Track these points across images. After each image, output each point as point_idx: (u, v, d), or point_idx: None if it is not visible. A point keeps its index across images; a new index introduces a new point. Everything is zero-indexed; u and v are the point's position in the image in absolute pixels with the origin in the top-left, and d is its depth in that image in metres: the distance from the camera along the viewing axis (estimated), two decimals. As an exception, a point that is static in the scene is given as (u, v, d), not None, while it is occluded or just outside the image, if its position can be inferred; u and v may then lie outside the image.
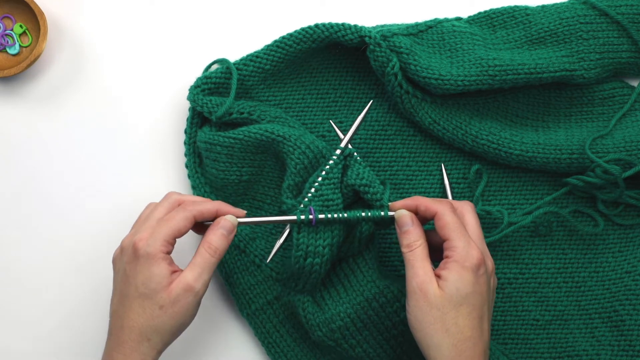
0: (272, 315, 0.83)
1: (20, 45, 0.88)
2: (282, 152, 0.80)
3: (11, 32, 0.88)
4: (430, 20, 0.84)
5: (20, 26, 0.88)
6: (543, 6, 0.85)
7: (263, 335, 0.83)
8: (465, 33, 0.83)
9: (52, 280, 0.87)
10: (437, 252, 0.73)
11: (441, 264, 0.70)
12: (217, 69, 0.84)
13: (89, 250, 0.86)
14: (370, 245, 0.79)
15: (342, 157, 0.78)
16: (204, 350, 0.85)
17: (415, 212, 0.73)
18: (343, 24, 0.81)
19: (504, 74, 0.80)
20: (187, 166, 0.85)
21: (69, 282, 0.86)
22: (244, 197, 0.85)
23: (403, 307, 0.77)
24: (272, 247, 0.83)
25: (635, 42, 0.83)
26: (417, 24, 0.84)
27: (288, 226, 0.78)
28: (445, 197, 0.84)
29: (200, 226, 0.76)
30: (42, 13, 0.86)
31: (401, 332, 0.77)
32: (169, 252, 0.72)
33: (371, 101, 0.82)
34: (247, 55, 0.85)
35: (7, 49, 0.88)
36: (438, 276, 0.69)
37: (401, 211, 0.73)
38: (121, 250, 0.74)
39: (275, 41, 0.84)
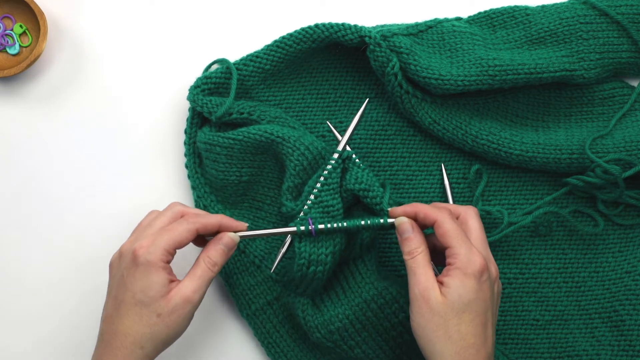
0: (272, 315, 0.83)
1: (20, 45, 0.88)
2: (281, 154, 0.80)
3: (11, 32, 0.88)
4: (430, 20, 0.84)
5: (20, 26, 0.88)
6: (543, 6, 0.85)
7: (263, 336, 0.83)
8: (465, 33, 0.83)
9: (52, 280, 0.87)
10: (440, 256, 0.72)
11: (444, 271, 0.70)
12: (217, 69, 0.84)
13: (89, 250, 0.86)
14: (370, 248, 0.79)
15: (340, 161, 0.78)
16: (204, 350, 0.85)
17: (415, 219, 0.73)
18: (343, 24, 0.81)
19: (504, 74, 0.80)
20: (187, 166, 0.85)
21: (68, 282, 0.86)
22: (244, 197, 0.85)
23: (402, 309, 0.77)
24: (272, 247, 0.83)
25: (635, 42, 0.83)
26: (417, 24, 0.84)
27: (290, 235, 0.78)
28: (446, 197, 0.84)
29: (201, 239, 0.77)
30: (42, 13, 0.86)
31: (400, 334, 0.77)
32: (168, 262, 0.72)
33: (367, 100, 0.81)
34: (247, 55, 0.85)
35: (7, 49, 0.88)
36: (441, 283, 0.69)
37: (401, 218, 0.73)
38: (120, 255, 0.74)
39: (275, 41, 0.84)
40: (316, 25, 0.82)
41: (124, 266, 0.72)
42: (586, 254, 0.84)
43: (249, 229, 0.76)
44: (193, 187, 0.85)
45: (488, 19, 0.85)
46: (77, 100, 0.88)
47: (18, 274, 0.87)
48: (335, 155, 0.78)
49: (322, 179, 0.77)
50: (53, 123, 0.88)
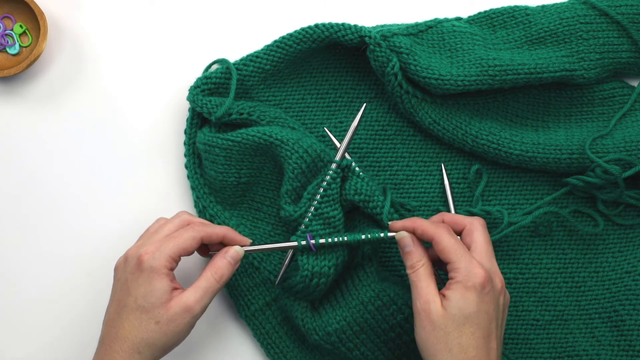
0: (271, 316, 0.83)
1: (20, 45, 0.88)
2: (280, 156, 0.80)
3: (11, 32, 0.88)
4: (430, 20, 0.84)
5: (20, 26, 0.88)
6: (543, 6, 0.85)
7: (262, 337, 0.83)
8: (465, 33, 0.83)
9: (52, 280, 0.87)
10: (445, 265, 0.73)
11: (446, 285, 0.70)
12: (217, 69, 0.84)
13: (89, 250, 0.86)
14: (371, 257, 0.79)
15: (339, 171, 0.78)
16: (203, 351, 0.85)
17: (414, 234, 0.73)
18: (343, 24, 0.81)
19: (504, 74, 0.80)
20: (186, 166, 0.85)
21: (68, 282, 0.86)
22: (243, 198, 0.85)
23: (400, 310, 0.77)
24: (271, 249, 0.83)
25: (635, 42, 0.83)
26: (417, 24, 0.84)
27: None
28: (445, 197, 0.84)
29: (205, 249, 0.77)
30: (42, 13, 0.86)
31: (398, 335, 0.77)
32: (172, 269, 0.72)
33: (364, 105, 0.81)
34: (247, 55, 0.85)
35: (7, 49, 0.88)
36: (443, 295, 0.69)
37: (402, 233, 0.74)
38: (125, 259, 0.74)
39: (275, 41, 0.84)
40: (316, 25, 0.82)
41: (129, 271, 0.72)
42: (586, 254, 0.84)
43: (252, 241, 0.77)
44: (192, 188, 0.85)
45: (488, 19, 0.85)
46: (77, 100, 0.88)
47: (17, 274, 0.87)
48: (334, 166, 0.78)
49: (321, 190, 0.77)
50: (53, 123, 0.88)
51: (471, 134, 0.82)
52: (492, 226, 0.83)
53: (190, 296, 0.71)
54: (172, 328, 0.71)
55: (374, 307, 0.77)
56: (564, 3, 0.85)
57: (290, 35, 0.83)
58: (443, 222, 0.75)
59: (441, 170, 0.85)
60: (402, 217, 0.78)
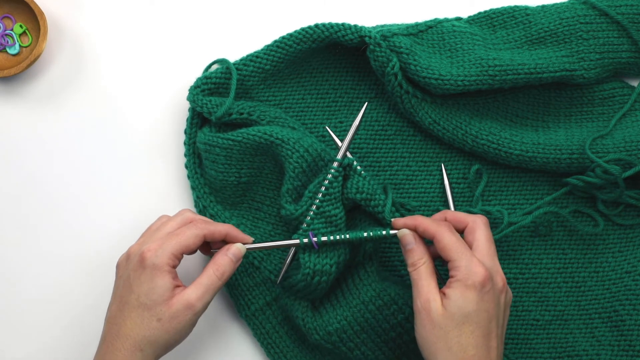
0: (271, 316, 0.83)
1: (20, 45, 0.88)
2: (281, 156, 0.80)
3: (11, 32, 0.88)
4: (430, 20, 0.84)
5: (20, 26, 0.88)
6: (543, 6, 0.85)
7: (262, 336, 0.83)
8: (465, 33, 0.83)
9: (52, 280, 0.87)
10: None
11: (447, 283, 0.70)
12: (217, 69, 0.84)
13: (89, 249, 0.86)
14: (372, 256, 0.79)
15: (341, 169, 0.78)
16: (203, 351, 0.85)
17: (415, 232, 0.73)
18: (343, 24, 0.81)
19: (504, 74, 0.80)
20: (186, 166, 0.85)
21: (68, 282, 0.86)
22: (243, 198, 0.85)
23: (400, 310, 0.76)
24: (271, 249, 0.83)
25: (635, 42, 0.83)
26: (417, 24, 0.84)
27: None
28: (445, 197, 0.84)
29: (207, 246, 0.77)
30: (42, 13, 0.86)
31: (399, 335, 0.77)
32: (174, 266, 0.72)
33: (366, 104, 0.81)
34: (247, 55, 0.85)
35: (7, 49, 0.88)
36: (443, 294, 0.69)
37: (403, 230, 0.74)
38: (127, 257, 0.74)
39: (275, 41, 0.84)
40: (316, 25, 0.82)
41: (131, 268, 0.72)
42: (586, 254, 0.84)
43: (254, 240, 0.77)
44: (193, 188, 0.85)
45: (488, 19, 0.85)
46: (77, 100, 0.88)
47: (17, 274, 0.87)
48: (336, 164, 0.78)
49: (323, 188, 0.77)
50: (53, 123, 0.88)
51: (471, 134, 0.82)
52: (492, 226, 0.83)
53: (192, 293, 0.71)
54: (174, 325, 0.71)
55: (375, 306, 0.77)
56: (564, 3, 0.85)
57: (290, 35, 0.83)
58: (445, 219, 0.75)
59: (441, 170, 0.85)
60: (402, 216, 0.78)
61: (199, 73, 0.86)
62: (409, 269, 0.72)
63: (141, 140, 0.88)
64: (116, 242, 0.84)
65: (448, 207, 0.83)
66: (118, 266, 0.75)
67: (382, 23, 0.87)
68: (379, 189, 0.78)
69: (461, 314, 0.67)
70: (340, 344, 0.77)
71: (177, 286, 0.72)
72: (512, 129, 0.84)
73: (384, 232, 0.75)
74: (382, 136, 0.86)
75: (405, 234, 0.73)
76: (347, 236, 0.75)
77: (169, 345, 0.72)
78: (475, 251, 0.71)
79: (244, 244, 0.76)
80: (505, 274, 0.83)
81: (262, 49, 0.84)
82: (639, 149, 0.80)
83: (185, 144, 0.85)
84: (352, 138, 0.79)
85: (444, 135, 0.83)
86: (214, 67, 0.86)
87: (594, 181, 0.80)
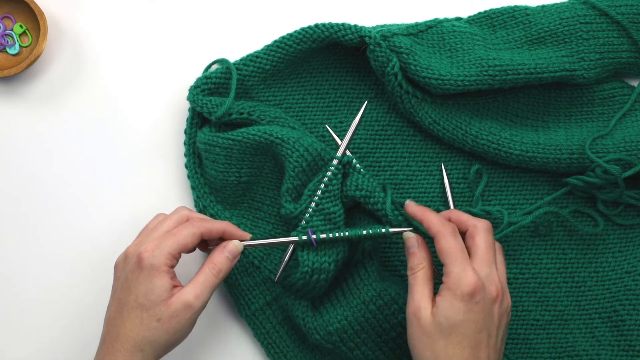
0: (271, 316, 0.83)
1: (20, 45, 0.88)
2: (281, 155, 0.80)
3: (11, 32, 0.88)
4: (430, 20, 0.84)
5: (20, 26, 0.88)
6: (543, 6, 0.85)
7: (262, 336, 0.83)
8: (465, 33, 0.83)
9: (52, 280, 0.87)
10: None
11: (439, 289, 0.69)
12: (217, 69, 0.84)
13: (89, 250, 0.86)
14: (372, 254, 0.79)
15: (340, 167, 0.78)
16: (203, 351, 0.85)
17: (421, 223, 0.73)
18: (343, 24, 0.81)
19: (504, 74, 0.80)
20: (186, 166, 0.85)
21: (68, 282, 0.86)
22: (243, 198, 0.85)
23: (401, 310, 0.76)
24: (271, 249, 0.83)
25: (635, 42, 0.83)
26: (417, 24, 0.84)
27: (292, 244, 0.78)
28: (445, 197, 0.84)
29: (205, 244, 0.77)
30: (42, 13, 0.86)
31: (399, 335, 0.77)
32: (172, 266, 0.72)
33: (366, 102, 0.81)
34: (247, 55, 0.85)
35: (7, 49, 0.88)
36: (434, 302, 0.69)
37: (408, 233, 0.74)
38: (125, 257, 0.74)
39: (275, 41, 0.84)
40: (316, 25, 0.82)
41: (129, 269, 0.72)
42: (586, 254, 0.84)
43: (252, 237, 0.77)
44: (193, 188, 0.85)
45: (488, 19, 0.85)
46: (77, 100, 0.88)
47: (17, 274, 0.87)
48: (335, 162, 0.78)
49: (322, 185, 0.77)
50: (53, 123, 0.88)
51: (471, 134, 0.82)
52: (492, 226, 0.83)
53: (190, 292, 0.71)
54: (173, 325, 0.70)
55: (376, 306, 0.77)
56: (564, 3, 0.85)
57: (290, 35, 0.83)
58: (450, 219, 0.74)
59: (441, 170, 0.85)
60: (402, 216, 0.78)
61: (199, 73, 0.86)
62: (408, 272, 0.71)
63: (141, 140, 0.88)
64: (116, 242, 0.84)
65: (448, 207, 0.83)
66: (116, 267, 0.75)
67: (382, 23, 0.87)
68: (378, 187, 0.78)
69: (448, 324, 0.67)
70: (341, 343, 0.77)
71: (175, 286, 0.72)
72: (512, 129, 0.84)
73: (383, 230, 0.75)
74: (382, 136, 0.86)
75: (409, 237, 0.73)
76: (347, 234, 0.75)
77: (169, 345, 0.72)
78: (472, 257, 0.70)
79: (242, 240, 0.76)
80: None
81: (262, 49, 0.84)
82: (639, 149, 0.80)
83: (185, 143, 0.85)
84: (352, 136, 0.79)
85: (444, 135, 0.83)
86: (214, 67, 0.86)
87: (594, 181, 0.80)
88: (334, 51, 0.86)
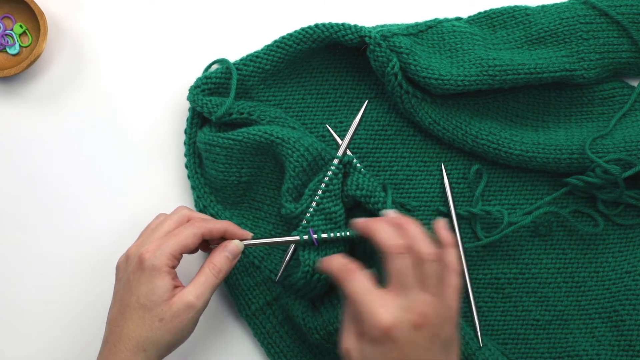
0: (271, 316, 0.83)
1: (20, 45, 0.88)
2: (281, 155, 0.80)
3: (11, 32, 0.88)
4: (430, 20, 0.84)
5: (20, 26, 0.88)
6: (543, 6, 0.85)
7: (262, 336, 0.83)
8: (465, 33, 0.83)
9: (52, 280, 0.87)
10: None
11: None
12: (217, 69, 0.84)
13: (89, 250, 0.86)
14: (372, 254, 0.79)
15: (341, 167, 0.78)
16: (203, 351, 0.85)
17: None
18: (343, 24, 0.81)
19: (504, 74, 0.80)
20: (187, 166, 0.85)
21: (68, 282, 0.86)
22: (244, 197, 0.85)
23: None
24: (272, 249, 0.83)
25: (635, 42, 0.83)
26: (417, 24, 0.84)
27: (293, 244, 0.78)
28: (445, 197, 0.84)
29: (206, 243, 0.77)
30: (42, 13, 0.86)
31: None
32: (174, 267, 0.72)
33: (366, 102, 0.81)
34: (247, 55, 0.85)
35: (7, 49, 0.88)
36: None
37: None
38: (126, 258, 0.74)
39: (275, 41, 0.84)
40: (316, 25, 0.82)
41: (130, 270, 0.72)
42: (586, 254, 0.84)
43: (253, 237, 0.77)
44: (193, 188, 0.85)
45: (488, 19, 0.85)
46: (77, 100, 0.88)
47: (17, 274, 0.87)
48: (336, 161, 0.78)
49: (323, 185, 0.77)
50: (53, 123, 0.88)
51: (471, 134, 0.82)
52: (492, 226, 0.83)
53: (191, 292, 0.71)
54: (176, 324, 0.71)
55: (375, 306, 0.77)
56: (564, 3, 0.85)
57: (290, 35, 0.83)
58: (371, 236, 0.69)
59: (441, 170, 0.85)
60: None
61: (199, 73, 0.86)
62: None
63: (141, 140, 0.88)
64: (116, 242, 0.84)
65: (448, 207, 0.83)
66: (117, 268, 0.75)
67: (382, 23, 0.87)
68: (379, 187, 0.78)
69: None
70: (341, 343, 0.77)
71: (177, 286, 0.72)
72: (512, 129, 0.84)
73: None
74: (382, 136, 0.86)
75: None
76: (348, 233, 0.75)
77: (172, 345, 0.72)
78: (387, 285, 0.66)
79: (243, 239, 0.76)
80: (505, 274, 0.83)
81: (262, 49, 0.84)
82: (639, 149, 0.80)
83: (185, 143, 0.85)
84: (353, 135, 0.80)
85: (444, 135, 0.83)
86: (214, 67, 0.86)
87: (594, 181, 0.80)
88: (334, 51, 0.86)
